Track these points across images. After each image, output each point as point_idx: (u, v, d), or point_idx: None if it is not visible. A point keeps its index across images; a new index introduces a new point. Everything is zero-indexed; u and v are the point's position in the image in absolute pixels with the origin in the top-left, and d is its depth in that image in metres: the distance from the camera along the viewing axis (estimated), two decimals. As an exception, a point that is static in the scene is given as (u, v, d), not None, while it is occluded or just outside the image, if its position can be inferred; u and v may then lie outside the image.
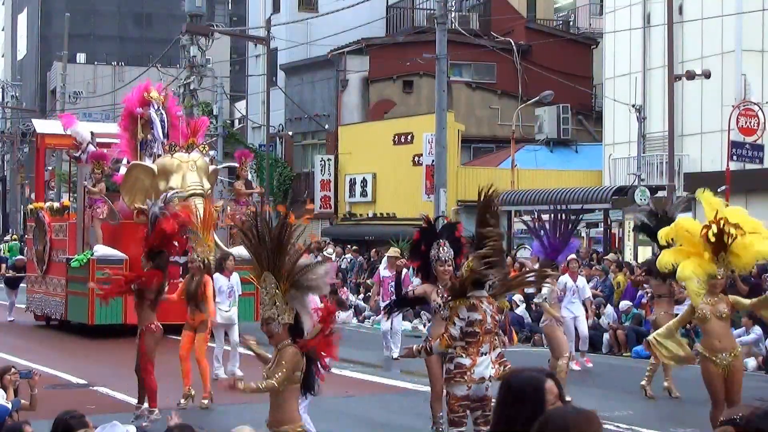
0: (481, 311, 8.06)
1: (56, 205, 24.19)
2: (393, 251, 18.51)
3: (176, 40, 41.59)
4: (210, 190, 20.79)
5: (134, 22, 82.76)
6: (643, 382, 14.16)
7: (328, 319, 7.13)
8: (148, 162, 20.89)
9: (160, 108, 21.38)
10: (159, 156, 20.95)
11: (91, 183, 20.83)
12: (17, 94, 76.15)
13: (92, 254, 20.37)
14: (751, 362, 17.72)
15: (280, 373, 6.79)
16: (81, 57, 75.07)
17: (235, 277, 15.53)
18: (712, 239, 9.76)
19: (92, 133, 22.28)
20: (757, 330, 18.05)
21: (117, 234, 20.74)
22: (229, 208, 22.31)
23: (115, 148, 22.03)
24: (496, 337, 8.33)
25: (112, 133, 22.59)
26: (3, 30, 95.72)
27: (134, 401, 13.34)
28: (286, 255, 6.91)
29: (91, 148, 21.59)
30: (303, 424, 7.17)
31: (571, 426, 3.93)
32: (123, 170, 21.33)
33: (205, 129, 23.69)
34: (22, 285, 25.43)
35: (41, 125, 26.46)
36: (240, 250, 19.51)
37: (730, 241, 9.74)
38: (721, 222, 9.81)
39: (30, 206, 25.64)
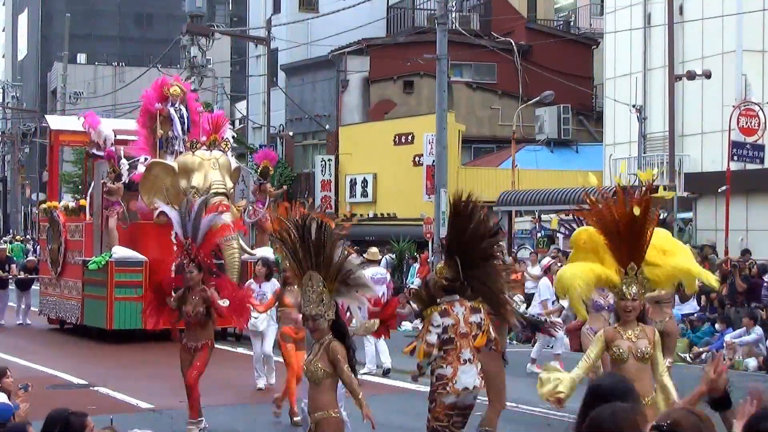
0: (453, 315, 8.01)
1: (71, 204, 23.34)
2: (372, 253, 17.28)
3: (177, 40, 41.69)
4: (232, 189, 20.09)
5: (135, 23, 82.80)
6: None
7: (388, 313, 7.78)
8: (168, 160, 20.17)
9: (179, 104, 20.67)
10: (180, 153, 20.17)
11: (110, 182, 20.11)
12: (18, 95, 76.22)
13: (111, 256, 19.64)
14: (752, 362, 17.74)
15: (346, 367, 7.16)
16: (81, 57, 75.11)
17: (269, 285, 13.85)
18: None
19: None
20: (758, 330, 18.06)
21: (136, 235, 19.99)
22: (251, 208, 21.83)
23: (134, 146, 21.16)
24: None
25: (130, 130, 21.81)
26: (3, 30, 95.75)
27: (135, 402, 13.35)
28: (329, 255, 7.19)
29: (110, 147, 20.78)
30: (340, 410, 7.42)
31: (625, 423, 4.01)
32: (141, 168, 20.47)
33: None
34: (33, 287, 24.59)
35: (55, 122, 25.37)
36: (264, 253, 19.13)
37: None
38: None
39: (43, 206, 24.56)
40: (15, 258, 27.52)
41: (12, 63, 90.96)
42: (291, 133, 41.59)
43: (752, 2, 27.68)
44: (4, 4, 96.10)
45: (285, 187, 27.17)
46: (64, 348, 20.17)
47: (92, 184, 21.69)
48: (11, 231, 63.55)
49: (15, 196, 71.26)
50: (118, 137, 21.33)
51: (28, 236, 54.73)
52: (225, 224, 12.03)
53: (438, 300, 8.08)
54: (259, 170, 22.34)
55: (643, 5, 31.06)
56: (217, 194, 18.92)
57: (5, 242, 36.69)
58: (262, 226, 21.46)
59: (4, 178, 78.69)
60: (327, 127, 39.77)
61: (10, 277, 24.24)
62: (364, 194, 37.66)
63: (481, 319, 8.14)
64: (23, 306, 24.31)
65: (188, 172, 19.39)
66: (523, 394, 12.32)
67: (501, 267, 8.36)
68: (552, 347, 16.96)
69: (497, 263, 8.25)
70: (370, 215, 37.38)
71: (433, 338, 7.96)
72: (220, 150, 19.77)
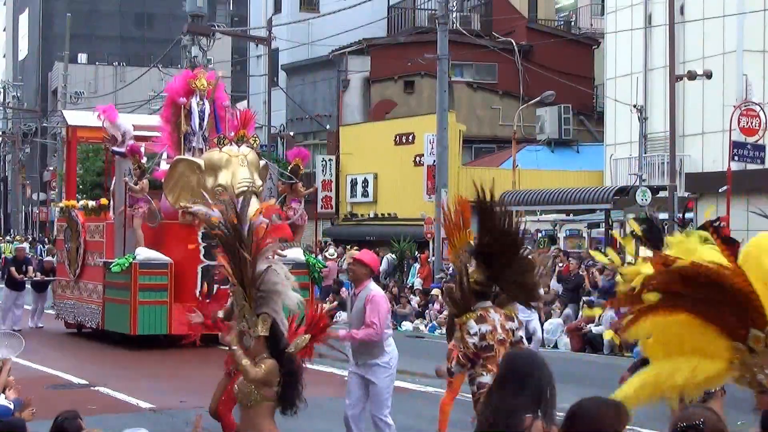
0: (490, 321, 7.79)
1: (91, 203, 22.26)
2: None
3: (177, 40, 41.59)
4: (261, 188, 18.91)
5: (135, 23, 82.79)
6: None
7: (318, 327, 7.05)
8: (192, 156, 19.14)
9: (203, 98, 19.65)
10: (199, 150, 19.25)
11: (133, 180, 19.03)
12: (18, 95, 76.29)
13: (134, 258, 18.59)
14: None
15: (258, 370, 6.52)
16: (82, 57, 75.08)
17: None
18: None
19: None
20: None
21: (160, 235, 19.01)
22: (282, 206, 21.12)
23: (156, 142, 20.07)
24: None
25: (151, 126, 20.85)
26: (4, 30, 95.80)
27: (135, 401, 13.32)
28: (248, 262, 6.53)
29: (130, 141, 19.81)
30: None
31: (602, 416, 4.07)
32: (164, 165, 19.51)
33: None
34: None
35: (73, 117, 24.26)
36: (295, 254, 18.36)
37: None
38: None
39: (61, 204, 23.67)
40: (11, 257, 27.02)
41: (13, 63, 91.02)
42: (292, 133, 41.59)
43: (753, 2, 27.69)
44: (4, 4, 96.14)
45: (315, 186, 26.90)
46: (65, 348, 20.11)
47: (113, 182, 20.71)
48: (11, 231, 63.57)
49: (15, 195, 71.28)
50: (138, 133, 20.35)
51: (28, 236, 54.76)
52: (278, 225, 10.80)
53: (472, 306, 7.81)
54: (289, 169, 21.61)
55: (644, 5, 31.06)
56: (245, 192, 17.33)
57: (14, 240, 36.55)
58: (294, 225, 20.44)
59: (4, 177, 78.73)
60: (327, 127, 39.78)
61: (27, 279, 23.42)
62: (365, 194, 37.66)
63: (516, 327, 7.95)
64: (37, 309, 23.56)
65: (215, 169, 18.24)
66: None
67: (533, 260, 8.04)
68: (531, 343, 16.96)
69: (528, 256, 7.95)
70: (371, 215, 37.39)
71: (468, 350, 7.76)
72: (248, 146, 18.66)
